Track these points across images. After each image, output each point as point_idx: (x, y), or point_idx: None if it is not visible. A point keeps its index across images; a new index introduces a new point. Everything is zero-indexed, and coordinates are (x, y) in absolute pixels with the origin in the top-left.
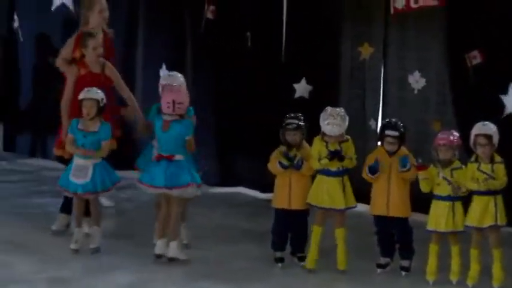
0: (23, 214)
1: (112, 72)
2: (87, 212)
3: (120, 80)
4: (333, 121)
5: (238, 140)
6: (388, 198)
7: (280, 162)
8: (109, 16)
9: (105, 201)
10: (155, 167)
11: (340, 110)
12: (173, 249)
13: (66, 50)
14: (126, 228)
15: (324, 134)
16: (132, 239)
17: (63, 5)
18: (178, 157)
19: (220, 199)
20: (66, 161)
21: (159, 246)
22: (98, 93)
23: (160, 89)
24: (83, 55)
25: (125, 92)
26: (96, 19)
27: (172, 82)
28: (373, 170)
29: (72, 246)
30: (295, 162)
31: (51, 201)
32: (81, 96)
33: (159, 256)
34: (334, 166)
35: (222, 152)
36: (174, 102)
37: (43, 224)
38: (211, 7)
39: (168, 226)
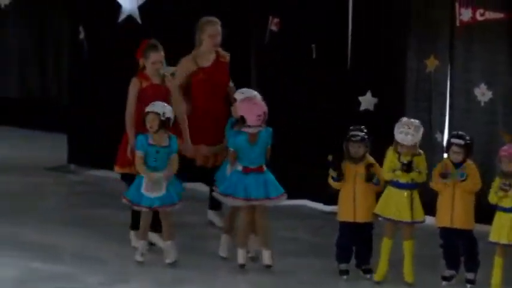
0: (88, 226)
1: (172, 85)
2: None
3: (177, 95)
4: (407, 130)
5: (301, 152)
6: (453, 210)
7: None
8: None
9: (217, 220)
10: (244, 180)
11: (415, 121)
12: (269, 258)
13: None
14: (192, 241)
15: (397, 145)
16: (199, 251)
17: (129, 17)
18: (264, 168)
19: (284, 211)
20: (128, 177)
21: (242, 256)
22: (162, 107)
23: (237, 103)
24: (145, 66)
25: (178, 109)
26: (207, 42)
27: (251, 94)
28: (445, 175)
29: (138, 258)
30: (374, 180)
31: (115, 213)
32: (146, 109)
33: (242, 266)
34: (404, 178)
35: (285, 164)
36: (264, 114)
37: (108, 236)
38: (276, 19)
39: (246, 236)
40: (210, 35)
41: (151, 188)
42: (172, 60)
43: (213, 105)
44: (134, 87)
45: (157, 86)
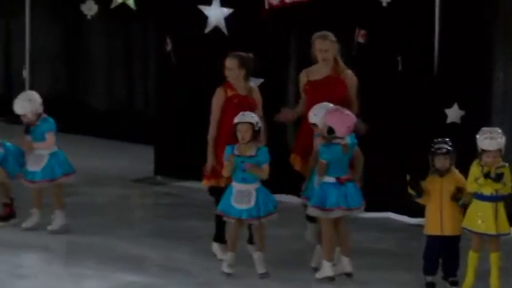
0: (174, 237)
1: (258, 96)
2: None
3: (260, 108)
4: (490, 135)
5: (386, 165)
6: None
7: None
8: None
9: (310, 238)
10: (334, 190)
11: (497, 129)
12: (350, 265)
13: None
14: (281, 254)
15: (481, 156)
16: (287, 264)
17: (216, 28)
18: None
19: (368, 224)
20: (216, 190)
21: (331, 269)
22: (253, 117)
23: (325, 114)
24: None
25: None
26: (317, 57)
27: (334, 106)
28: None
29: (226, 270)
30: (460, 203)
31: (202, 224)
32: (236, 120)
33: (332, 278)
34: (488, 191)
35: (369, 176)
36: (353, 124)
37: (194, 248)
38: (362, 31)
39: (333, 248)
40: (318, 49)
41: (240, 200)
42: (258, 71)
43: None
44: (218, 97)
45: (244, 97)
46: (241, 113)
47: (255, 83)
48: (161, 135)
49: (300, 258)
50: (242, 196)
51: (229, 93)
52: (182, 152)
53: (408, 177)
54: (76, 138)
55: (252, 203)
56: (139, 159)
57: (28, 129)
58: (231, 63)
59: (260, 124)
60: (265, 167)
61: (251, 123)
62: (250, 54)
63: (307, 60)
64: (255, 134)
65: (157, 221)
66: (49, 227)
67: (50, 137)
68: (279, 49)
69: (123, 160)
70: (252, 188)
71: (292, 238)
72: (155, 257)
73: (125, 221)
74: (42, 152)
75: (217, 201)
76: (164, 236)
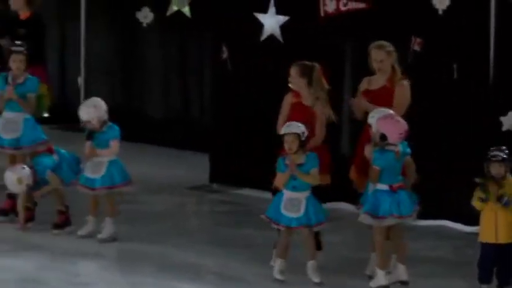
0: (231, 245)
1: (319, 110)
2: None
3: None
4: None
5: (441, 173)
6: None
7: (480, 198)
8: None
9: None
10: (388, 198)
11: None
12: (406, 273)
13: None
14: (335, 261)
15: None
16: (341, 272)
17: (271, 36)
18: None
19: (424, 232)
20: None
21: (385, 277)
22: (298, 127)
23: (378, 121)
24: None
25: (319, 136)
26: (374, 66)
27: (387, 112)
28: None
29: (277, 276)
30: (503, 202)
31: (258, 232)
32: (282, 131)
33: (386, 287)
34: None
35: (424, 184)
36: (406, 132)
37: (250, 255)
38: (418, 39)
39: (388, 256)
40: (374, 59)
41: (289, 208)
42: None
43: None
44: (285, 102)
45: (305, 107)
46: (287, 123)
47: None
48: (217, 143)
49: (354, 265)
50: (292, 204)
51: (294, 100)
52: (238, 159)
53: (479, 179)
54: (132, 146)
55: (302, 212)
56: (195, 167)
57: (91, 135)
58: (293, 71)
59: (306, 133)
60: (314, 171)
61: (297, 134)
62: (315, 64)
63: (363, 68)
64: (302, 144)
65: (213, 229)
66: (99, 236)
67: (115, 144)
68: (334, 57)
69: (179, 168)
70: (302, 196)
71: (346, 245)
72: (211, 265)
73: (181, 229)
74: (102, 159)
75: None
76: (220, 244)
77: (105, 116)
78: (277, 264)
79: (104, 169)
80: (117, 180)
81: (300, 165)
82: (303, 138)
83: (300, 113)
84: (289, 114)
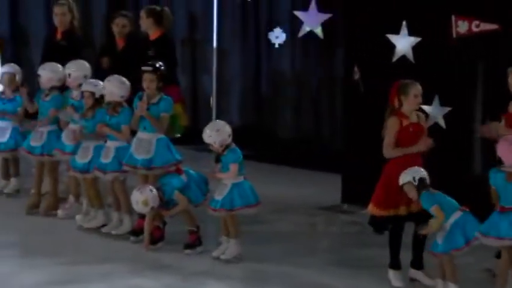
0: (359, 266)
1: (425, 123)
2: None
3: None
4: None
5: None
6: None
7: None
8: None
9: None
10: (500, 221)
11: None
12: None
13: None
14: (467, 283)
15: None
16: None
17: (404, 57)
18: None
19: None
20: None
21: None
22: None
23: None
24: (401, 106)
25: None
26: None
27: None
28: None
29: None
30: None
31: (387, 253)
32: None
33: None
34: None
35: None
36: None
37: (380, 277)
38: None
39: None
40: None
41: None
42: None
43: None
44: (394, 126)
45: (417, 125)
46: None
47: (440, 111)
48: (348, 164)
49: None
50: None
51: (404, 122)
52: (369, 180)
53: None
54: (263, 167)
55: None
56: (326, 188)
57: (219, 158)
58: (418, 89)
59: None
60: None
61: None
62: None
63: (495, 89)
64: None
65: (343, 250)
66: (222, 256)
67: (233, 167)
68: (466, 78)
69: (310, 188)
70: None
71: (478, 266)
72: (340, 286)
73: (310, 249)
74: (226, 181)
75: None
76: (350, 264)
77: (228, 140)
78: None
79: (226, 192)
80: (237, 204)
81: None
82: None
83: (415, 132)
84: (404, 136)
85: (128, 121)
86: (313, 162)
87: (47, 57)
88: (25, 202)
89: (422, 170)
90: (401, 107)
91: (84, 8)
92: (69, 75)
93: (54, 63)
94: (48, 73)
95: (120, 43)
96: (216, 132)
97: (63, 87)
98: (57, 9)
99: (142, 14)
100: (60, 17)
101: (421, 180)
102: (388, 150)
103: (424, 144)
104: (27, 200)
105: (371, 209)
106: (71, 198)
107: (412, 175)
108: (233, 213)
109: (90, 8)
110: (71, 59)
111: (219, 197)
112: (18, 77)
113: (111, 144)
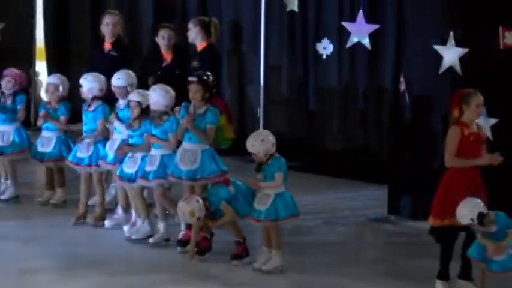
0: (406, 277)
1: (484, 133)
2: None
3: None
4: None
5: None
6: None
7: None
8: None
9: None
10: None
11: None
12: None
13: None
14: None
15: None
16: None
17: (451, 68)
18: None
19: None
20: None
21: None
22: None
23: None
24: (461, 115)
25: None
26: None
27: None
28: None
29: None
30: None
31: (434, 264)
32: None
33: None
34: None
35: None
36: None
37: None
38: None
39: None
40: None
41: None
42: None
43: None
44: (456, 136)
45: (478, 134)
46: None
47: (488, 122)
48: (395, 175)
49: None
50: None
51: (466, 131)
52: (416, 192)
53: None
54: (310, 178)
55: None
56: (373, 199)
57: (260, 167)
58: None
59: None
60: None
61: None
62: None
63: None
64: None
65: (390, 261)
66: (263, 267)
67: (278, 177)
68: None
69: (356, 200)
70: None
71: None
72: None
73: (357, 260)
74: (269, 191)
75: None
76: (396, 275)
77: (272, 150)
78: None
79: (269, 202)
80: (282, 214)
81: None
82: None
83: (476, 141)
84: (465, 145)
85: (174, 130)
86: (360, 174)
87: (95, 67)
88: (71, 212)
89: (474, 204)
90: (462, 116)
91: (130, 19)
92: (114, 85)
93: (95, 73)
94: (89, 83)
95: (167, 56)
96: (261, 142)
97: (109, 97)
98: (109, 19)
99: (191, 24)
100: (112, 26)
101: (480, 215)
102: (450, 160)
103: (493, 159)
104: (76, 211)
105: (430, 218)
106: (119, 208)
107: (469, 217)
108: (277, 224)
109: (136, 18)
110: (120, 69)
111: (261, 207)
112: (62, 88)
113: (156, 153)
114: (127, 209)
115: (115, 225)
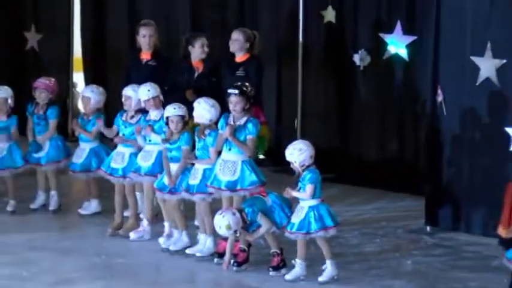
0: None
1: None
2: None
3: None
4: None
5: None
6: None
7: None
8: None
9: None
10: None
11: None
12: None
13: None
14: None
15: None
16: None
17: (488, 79)
18: None
19: None
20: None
21: None
22: None
23: None
24: None
25: None
26: None
27: None
28: None
29: None
30: None
31: (470, 276)
32: None
33: None
34: None
35: None
36: None
37: None
38: None
39: None
40: None
41: None
42: None
43: None
44: None
45: None
46: None
47: None
48: (432, 186)
49: None
50: None
51: None
52: (453, 203)
53: None
54: (347, 189)
55: None
56: (410, 210)
57: (297, 179)
58: None
59: None
60: None
61: None
62: None
63: None
64: None
65: (426, 272)
66: (319, 278)
67: (309, 189)
68: None
69: (394, 211)
70: None
71: None
72: None
73: (394, 271)
74: (304, 204)
75: None
76: (433, 287)
77: (309, 161)
78: None
79: (303, 215)
80: (314, 227)
81: None
82: None
83: None
84: None
85: (214, 143)
86: (397, 185)
87: (134, 79)
88: (106, 223)
89: None
90: None
91: (166, 29)
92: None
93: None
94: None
95: (199, 66)
96: (298, 152)
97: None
98: (145, 30)
99: (236, 35)
100: (149, 38)
101: None
102: None
103: None
104: (111, 222)
105: (498, 229)
106: (145, 221)
107: None
108: (309, 237)
109: (172, 28)
110: (160, 79)
111: (295, 219)
112: (93, 100)
113: (199, 166)
114: (152, 221)
115: (139, 238)
